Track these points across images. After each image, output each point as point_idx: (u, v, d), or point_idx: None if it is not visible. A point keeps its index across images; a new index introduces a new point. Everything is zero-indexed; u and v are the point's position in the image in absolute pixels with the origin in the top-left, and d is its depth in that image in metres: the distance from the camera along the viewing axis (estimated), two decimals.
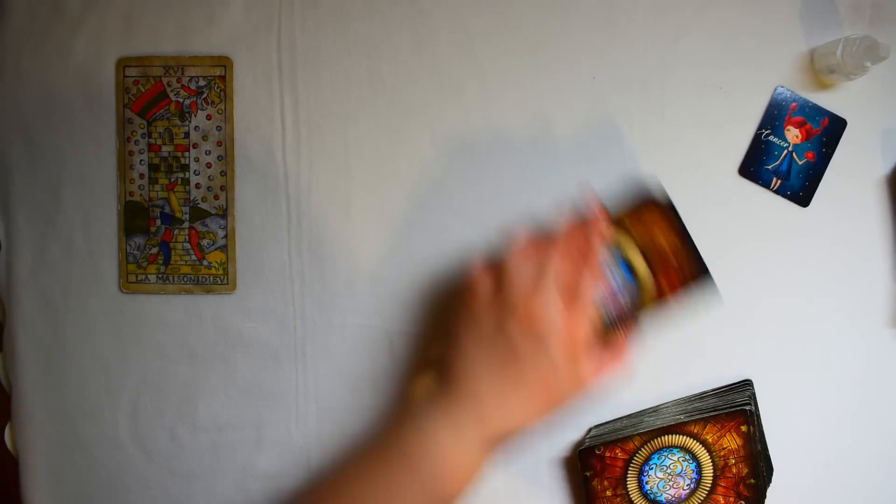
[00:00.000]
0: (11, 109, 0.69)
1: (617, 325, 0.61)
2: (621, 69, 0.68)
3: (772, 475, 0.67)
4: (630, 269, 0.61)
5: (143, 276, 0.70)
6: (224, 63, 0.68)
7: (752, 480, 0.64)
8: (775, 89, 0.68)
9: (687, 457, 0.65)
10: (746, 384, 0.68)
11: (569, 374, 0.58)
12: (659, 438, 0.65)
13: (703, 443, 0.65)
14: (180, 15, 0.69)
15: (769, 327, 0.69)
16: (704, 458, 0.65)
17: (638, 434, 0.66)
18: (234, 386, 0.70)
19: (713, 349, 0.69)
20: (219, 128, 0.69)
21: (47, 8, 0.69)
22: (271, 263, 0.69)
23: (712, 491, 0.65)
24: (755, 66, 0.68)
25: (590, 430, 0.70)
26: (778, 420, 0.68)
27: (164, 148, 0.69)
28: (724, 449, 0.65)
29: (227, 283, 0.69)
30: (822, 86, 0.68)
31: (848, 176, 0.68)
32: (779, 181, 0.68)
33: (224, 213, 0.69)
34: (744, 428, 0.64)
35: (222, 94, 0.69)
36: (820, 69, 0.67)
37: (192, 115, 0.69)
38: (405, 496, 0.58)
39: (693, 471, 0.65)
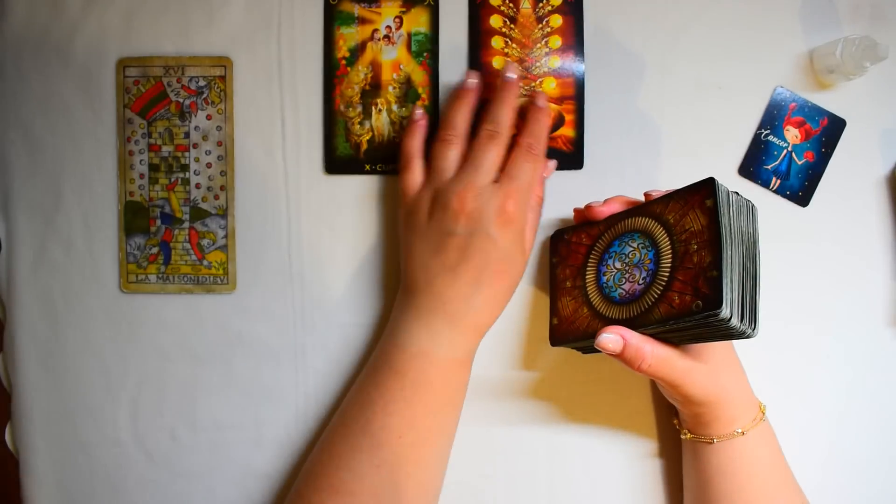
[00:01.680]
0: (12, 109, 0.69)
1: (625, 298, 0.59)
2: (620, 68, 0.68)
3: (755, 327, 0.54)
4: (656, 253, 0.58)
5: (144, 276, 0.69)
6: (224, 63, 0.69)
7: (714, 273, 0.52)
8: (775, 89, 0.68)
9: (647, 243, 0.58)
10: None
11: (512, 248, 0.60)
12: (622, 222, 0.61)
13: (665, 224, 0.57)
14: (180, 15, 0.69)
15: (768, 327, 0.68)
16: (664, 242, 0.57)
17: (604, 220, 0.62)
18: (234, 385, 0.70)
19: None
20: (219, 128, 0.69)
21: (47, 8, 0.69)
22: (271, 263, 0.69)
23: (668, 287, 0.55)
24: (755, 66, 0.68)
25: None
26: (777, 419, 0.68)
27: (165, 148, 0.69)
28: (685, 231, 0.55)
29: (228, 283, 0.69)
30: (822, 86, 0.68)
31: (847, 176, 0.68)
32: (778, 181, 0.68)
33: (224, 213, 0.69)
34: (709, 202, 0.54)
35: (222, 94, 0.69)
36: (819, 69, 0.67)
37: (193, 115, 0.69)
38: (401, 406, 0.60)
39: (651, 260, 0.57)
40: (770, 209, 0.68)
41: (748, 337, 0.54)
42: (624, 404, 0.69)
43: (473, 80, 0.64)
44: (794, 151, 0.68)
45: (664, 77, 0.69)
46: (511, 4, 0.68)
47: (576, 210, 0.66)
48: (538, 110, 0.63)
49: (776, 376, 0.69)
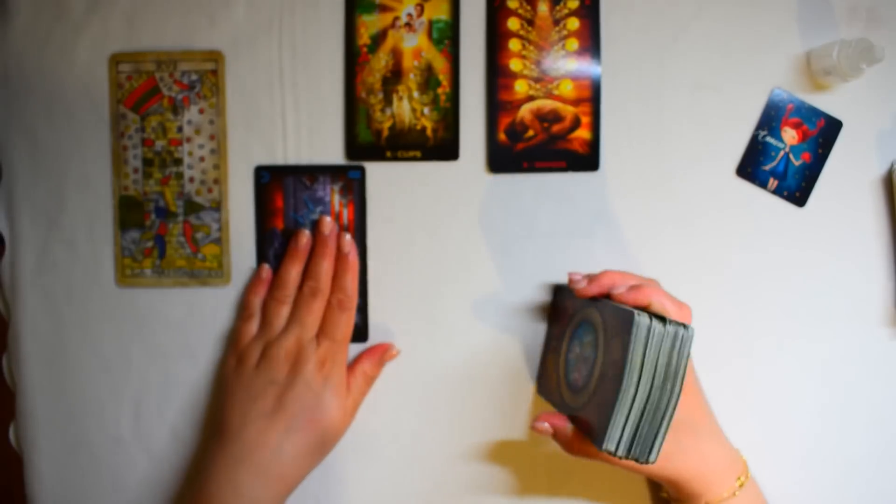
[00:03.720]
0: (15, 112, 0.69)
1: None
2: (618, 70, 0.68)
3: (649, 456, 0.53)
4: (594, 359, 0.57)
5: (139, 271, 0.69)
6: (216, 58, 0.68)
7: (608, 412, 0.53)
8: (772, 91, 0.68)
9: (593, 343, 0.58)
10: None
11: (329, 401, 0.64)
12: (589, 309, 0.60)
13: (605, 335, 0.56)
14: (182, 16, 0.69)
15: (766, 328, 0.69)
16: (599, 356, 0.56)
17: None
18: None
19: (710, 348, 0.68)
20: (211, 122, 0.68)
21: (51, 10, 0.69)
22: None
23: (590, 399, 0.56)
24: (752, 68, 0.69)
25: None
26: (775, 419, 0.68)
27: (158, 142, 0.69)
28: (610, 353, 0.55)
29: (223, 276, 0.69)
30: (819, 87, 0.68)
31: (844, 177, 0.69)
32: (775, 182, 0.68)
33: (218, 207, 0.69)
34: (625, 338, 0.52)
35: (214, 88, 0.68)
36: (816, 71, 0.68)
37: (185, 110, 0.69)
38: None
39: (591, 364, 0.57)
40: (767, 210, 0.69)
41: (642, 464, 0.54)
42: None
43: (304, 240, 0.67)
44: (791, 152, 0.68)
45: (662, 78, 0.69)
46: (528, 7, 0.68)
47: (570, 276, 0.64)
48: (344, 258, 0.67)
49: (773, 378, 0.69)
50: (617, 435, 0.53)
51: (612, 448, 0.53)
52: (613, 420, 0.53)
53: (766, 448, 0.67)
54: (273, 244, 0.68)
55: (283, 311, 0.66)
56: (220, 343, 0.69)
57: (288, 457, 0.62)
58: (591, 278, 0.61)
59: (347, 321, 0.66)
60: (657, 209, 0.69)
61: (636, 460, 0.53)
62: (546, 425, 0.59)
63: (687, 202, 0.69)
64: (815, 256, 0.69)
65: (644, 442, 0.53)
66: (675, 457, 0.58)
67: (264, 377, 0.64)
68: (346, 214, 0.68)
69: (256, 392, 0.63)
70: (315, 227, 0.67)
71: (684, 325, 0.53)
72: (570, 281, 0.62)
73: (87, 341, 0.69)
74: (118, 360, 0.69)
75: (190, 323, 0.69)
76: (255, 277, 0.68)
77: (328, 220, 0.67)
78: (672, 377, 0.53)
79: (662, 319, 0.53)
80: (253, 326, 0.67)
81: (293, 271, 0.66)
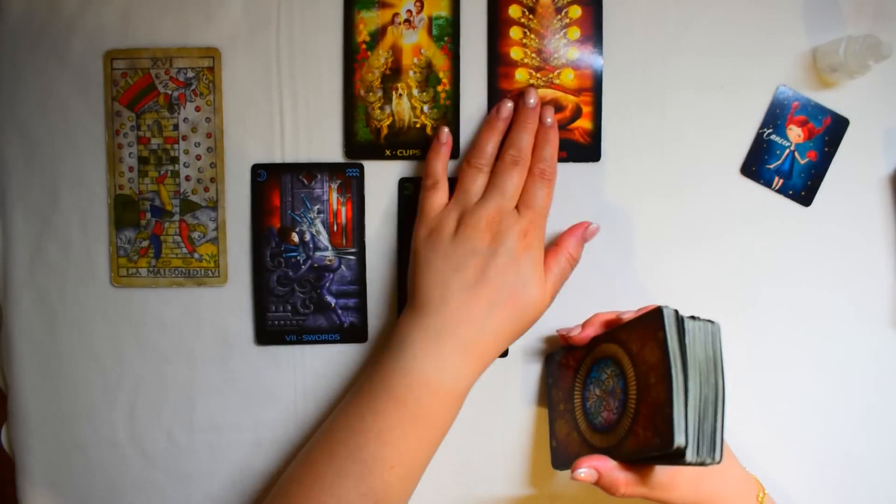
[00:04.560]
0: (9, 109, 0.68)
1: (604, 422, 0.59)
2: (621, 62, 0.68)
3: (715, 454, 0.53)
4: (625, 383, 0.57)
5: (135, 270, 0.69)
6: (212, 54, 0.68)
7: (668, 410, 0.52)
8: (777, 88, 0.68)
9: (618, 371, 0.57)
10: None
11: (529, 274, 0.61)
12: (599, 347, 0.60)
13: (630, 353, 0.56)
14: (178, 11, 0.68)
15: (770, 328, 0.68)
16: (630, 373, 0.56)
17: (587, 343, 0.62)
18: (232, 386, 0.69)
19: None
20: (208, 119, 0.68)
21: (44, 5, 0.68)
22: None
23: (634, 420, 0.55)
24: (757, 65, 0.68)
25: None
26: (780, 419, 0.68)
27: (154, 140, 0.68)
28: (645, 363, 0.54)
29: (219, 276, 0.68)
30: (825, 85, 0.68)
31: (850, 175, 0.68)
32: (781, 180, 0.68)
33: (214, 206, 0.68)
34: (660, 335, 0.53)
35: (211, 85, 0.68)
36: (822, 68, 0.67)
37: (181, 107, 0.68)
38: (397, 436, 0.58)
39: (621, 390, 0.57)
40: (772, 209, 0.68)
41: (709, 464, 0.53)
42: None
43: (507, 111, 0.65)
44: (796, 151, 0.67)
45: (666, 76, 0.68)
46: None
47: (559, 333, 0.65)
48: (546, 130, 0.65)
49: (777, 377, 0.68)
50: (683, 425, 0.51)
51: (683, 441, 0.51)
52: (676, 411, 0.51)
53: (769, 448, 0.67)
54: (270, 243, 0.68)
55: (481, 179, 0.64)
56: (217, 344, 0.68)
57: (490, 333, 0.60)
58: (583, 324, 0.62)
59: (548, 192, 0.63)
60: (660, 209, 0.68)
61: (702, 463, 0.52)
62: (589, 471, 0.56)
63: (690, 201, 0.68)
64: (821, 256, 0.68)
65: (707, 441, 0.52)
66: (702, 481, 0.58)
67: (465, 246, 0.61)
68: (345, 213, 0.68)
69: (457, 262, 0.60)
70: (520, 97, 0.65)
71: (710, 320, 0.53)
72: (563, 337, 0.63)
73: (81, 342, 0.69)
74: (113, 361, 0.69)
75: (186, 323, 0.68)
76: (434, 142, 0.66)
77: (534, 90, 0.65)
78: (714, 369, 0.53)
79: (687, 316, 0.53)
80: (441, 195, 0.64)
81: (492, 140, 0.64)
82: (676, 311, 0.53)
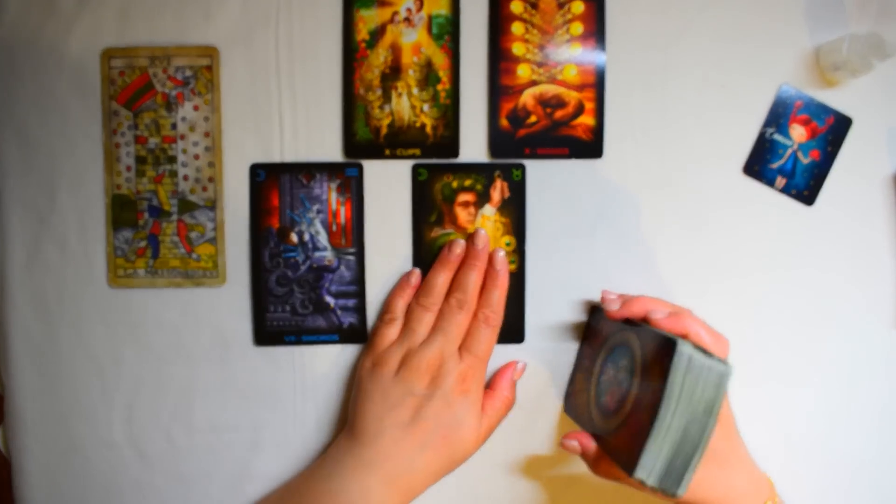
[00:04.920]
0: (6, 108, 0.68)
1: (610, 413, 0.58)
2: (624, 58, 0.67)
3: (678, 489, 0.53)
4: (629, 383, 0.57)
5: (132, 271, 0.68)
6: (210, 53, 0.67)
7: (644, 440, 0.52)
8: (780, 87, 0.67)
9: (629, 367, 0.57)
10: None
11: (464, 418, 0.63)
12: (629, 333, 0.59)
13: (643, 359, 0.56)
14: (176, 10, 0.68)
15: (773, 328, 0.68)
16: (636, 379, 0.56)
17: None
18: (231, 387, 0.69)
19: None
20: (206, 118, 0.67)
21: (41, 3, 0.67)
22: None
23: (624, 423, 0.55)
24: (759, 64, 0.68)
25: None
26: (782, 420, 0.68)
27: (151, 140, 0.68)
28: (648, 379, 0.54)
29: (217, 277, 0.68)
30: (828, 83, 0.67)
31: (853, 175, 0.68)
32: (783, 180, 0.67)
33: (213, 206, 0.68)
34: (667, 367, 0.52)
35: (209, 84, 0.67)
36: (825, 66, 0.66)
37: (179, 106, 0.68)
38: None
39: (625, 389, 0.57)
40: (775, 208, 0.68)
41: (669, 496, 0.53)
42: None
43: (459, 249, 0.66)
44: (799, 150, 0.67)
45: (667, 75, 0.68)
46: None
47: (603, 295, 0.64)
48: (497, 274, 0.65)
49: (779, 376, 0.68)
50: (650, 464, 0.52)
51: (644, 477, 0.52)
52: (647, 448, 0.52)
53: (771, 448, 0.67)
54: (269, 244, 0.67)
55: (427, 319, 0.65)
56: (215, 344, 0.68)
57: (419, 471, 0.62)
58: (624, 300, 0.61)
59: (491, 338, 0.65)
60: (662, 208, 0.68)
61: (664, 492, 0.52)
62: (575, 443, 0.59)
63: (693, 201, 0.68)
64: (824, 256, 0.68)
65: (674, 474, 0.52)
66: (700, 487, 0.57)
67: (403, 386, 0.63)
68: (344, 213, 0.67)
69: (394, 401, 0.63)
70: (469, 238, 0.66)
71: (724, 362, 0.52)
72: (603, 300, 0.63)
73: (79, 343, 0.68)
74: (110, 362, 0.68)
75: (184, 324, 0.68)
76: (402, 280, 0.67)
77: (483, 232, 0.66)
78: (708, 412, 0.52)
79: (703, 352, 0.52)
80: (393, 330, 0.66)
81: (441, 279, 0.66)
82: (691, 352, 0.52)
